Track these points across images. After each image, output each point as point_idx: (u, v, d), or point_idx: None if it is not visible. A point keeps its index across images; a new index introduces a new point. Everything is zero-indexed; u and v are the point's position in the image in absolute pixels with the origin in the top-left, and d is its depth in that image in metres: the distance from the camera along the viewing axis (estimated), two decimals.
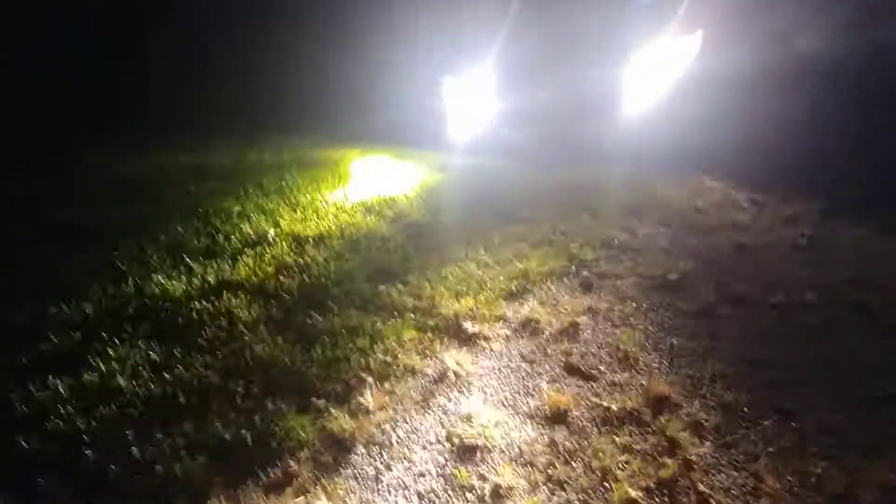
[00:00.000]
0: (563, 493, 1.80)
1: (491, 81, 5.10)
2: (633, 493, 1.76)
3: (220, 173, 4.71)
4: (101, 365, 2.38)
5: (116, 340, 2.53)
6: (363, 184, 4.38)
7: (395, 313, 2.71)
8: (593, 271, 3.07)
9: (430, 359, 2.45)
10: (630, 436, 2.00)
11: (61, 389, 2.25)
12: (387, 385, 2.29)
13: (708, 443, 1.95)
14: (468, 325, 2.63)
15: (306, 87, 6.97)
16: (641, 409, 2.10)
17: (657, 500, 1.76)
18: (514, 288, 2.92)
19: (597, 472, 1.86)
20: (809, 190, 3.81)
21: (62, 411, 2.16)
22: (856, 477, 1.79)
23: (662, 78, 4.65)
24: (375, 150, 5.25)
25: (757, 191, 3.91)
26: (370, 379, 2.30)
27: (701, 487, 1.79)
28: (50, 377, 2.31)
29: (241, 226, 3.59)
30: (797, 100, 4.48)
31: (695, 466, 1.86)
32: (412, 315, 2.70)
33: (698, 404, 2.12)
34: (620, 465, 1.87)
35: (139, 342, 2.53)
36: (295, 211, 3.82)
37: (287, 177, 4.42)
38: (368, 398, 2.19)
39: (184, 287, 2.95)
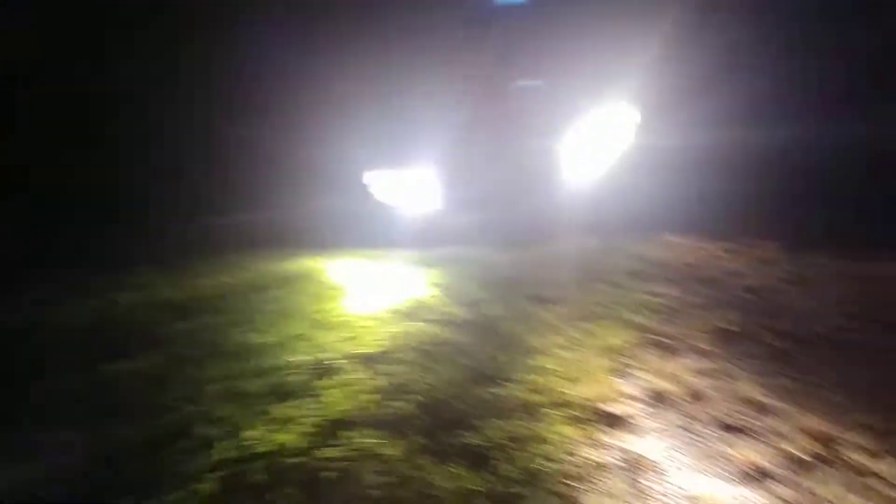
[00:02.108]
0: None
1: (423, 172, 5.31)
2: None
3: (196, 308, 4.25)
4: None
5: None
6: (366, 291, 4.28)
7: (536, 415, 2.74)
8: (664, 335, 3.37)
9: (605, 450, 2.51)
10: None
11: None
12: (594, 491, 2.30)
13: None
14: (610, 408, 2.76)
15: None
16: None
17: None
18: (614, 365, 3.11)
19: None
20: (770, 235, 4.55)
21: None
22: None
23: (602, 150, 5.20)
24: (338, 255, 5.14)
25: (721, 240, 4.58)
26: (573, 483, 2.32)
27: None
28: None
29: (287, 357, 3.35)
30: (740, 173, 5.29)
31: None
32: (551, 412, 2.76)
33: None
34: None
35: None
36: (328, 331, 3.65)
37: (280, 296, 4.18)
38: None
39: (288, 438, 2.65)
